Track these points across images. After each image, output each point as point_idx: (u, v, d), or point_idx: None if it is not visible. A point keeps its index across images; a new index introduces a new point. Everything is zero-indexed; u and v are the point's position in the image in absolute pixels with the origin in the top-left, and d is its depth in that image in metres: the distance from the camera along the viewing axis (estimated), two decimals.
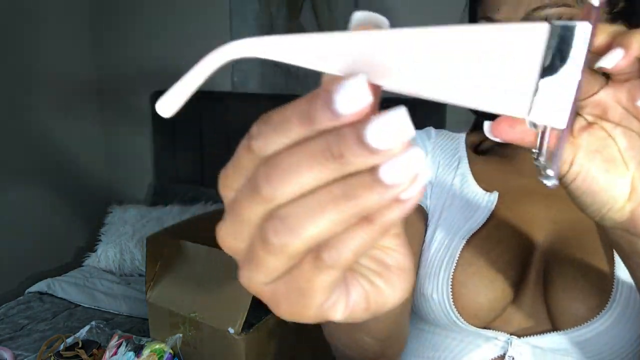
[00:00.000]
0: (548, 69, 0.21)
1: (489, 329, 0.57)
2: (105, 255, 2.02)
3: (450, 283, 0.57)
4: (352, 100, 0.17)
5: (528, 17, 0.50)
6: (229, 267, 1.20)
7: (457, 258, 0.57)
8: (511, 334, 0.57)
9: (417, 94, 0.21)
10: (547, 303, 0.56)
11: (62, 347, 1.40)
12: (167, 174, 2.24)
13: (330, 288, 0.20)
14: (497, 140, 0.30)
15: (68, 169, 2.26)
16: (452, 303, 0.56)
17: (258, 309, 1.36)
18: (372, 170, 0.17)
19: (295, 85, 1.99)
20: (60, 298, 1.83)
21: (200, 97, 2.24)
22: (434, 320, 0.59)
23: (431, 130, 0.69)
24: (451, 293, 0.56)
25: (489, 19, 0.54)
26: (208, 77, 0.23)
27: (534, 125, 0.29)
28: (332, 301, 0.21)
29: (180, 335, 1.25)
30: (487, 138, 0.67)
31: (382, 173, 0.17)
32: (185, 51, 2.16)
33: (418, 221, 0.62)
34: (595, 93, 0.31)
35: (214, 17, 2.07)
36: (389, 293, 0.23)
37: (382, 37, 0.20)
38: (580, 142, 0.32)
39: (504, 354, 0.57)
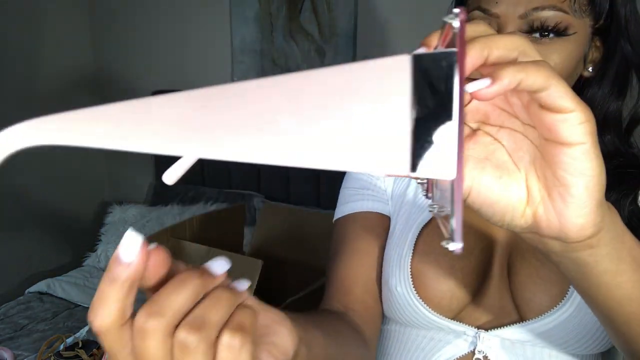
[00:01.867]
0: (421, 111, 0.17)
1: (458, 321, 0.57)
2: (105, 255, 2.02)
3: (409, 273, 0.57)
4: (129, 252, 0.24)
5: (527, 15, 0.50)
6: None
7: (412, 248, 0.58)
8: (480, 328, 0.57)
9: (265, 161, 0.17)
10: (512, 294, 0.56)
11: (62, 347, 1.40)
12: None
13: None
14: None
15: (68, 169, 2.26)
16: (415, 292, 0.57)
17: None
18: None
19: None
20: (60, 298, 1.83)
21: None
22: (402, 316, 0.59)
23: None
24: (412, 283, 0.57)
25: (485, 11, 0.51)
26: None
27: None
28: None
29: None
30: None
31: None
32: (186, 51, 2.16)
33: (378, 227, 0.64)
34: (470, 101, 0.31)
35: (214, 17, 2.07)
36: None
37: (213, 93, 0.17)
38: (467, 152, 0.31)
39: (474, 349, 0.57)
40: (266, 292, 1.45)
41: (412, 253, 0.58)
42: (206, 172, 2.16)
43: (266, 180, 2.08)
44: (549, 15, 0.49)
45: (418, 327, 0.59)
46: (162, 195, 2.18)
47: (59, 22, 2.19)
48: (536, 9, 0.49)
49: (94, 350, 1.37)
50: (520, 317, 0.56)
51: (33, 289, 1.87)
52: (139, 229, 2.02)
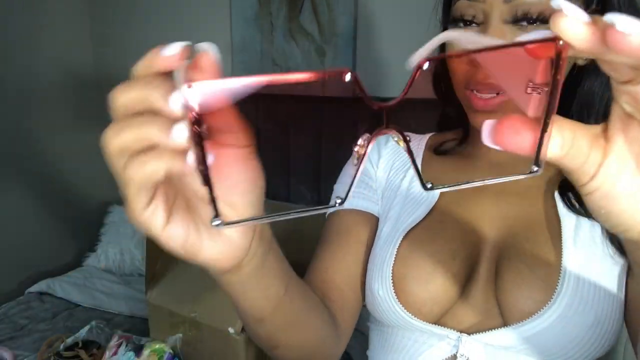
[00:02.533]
0: None
1: (440, 325, 0.57)
2: (105, 255, 2.02)
3: (391, 277, 0.57)
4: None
5: (510, 0, 0.49)
6: None
7: (395, 252, 0.58)
8: (463, 331, 0.56)
9: None
10: (497, 299, 0.55)
11: (62, 347, 1.40)
12: None
13: (138, 193, 0.28)
14: (497, 148, 0.26)
15: (68, 169, 2.25)
16: (395, 297, 0.57)
17: None
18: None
19: (295, 85, 1.99)
20: (60, 298, 1.83)
21: None
22: (385, 318, 0.59)
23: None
24: (393, 287, 0.57)
25: None
26: None
27: None
28: (150, 211, 0.29)
29: (180, 335, 1.25)
30: (448, 139, 0.67)
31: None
32: None
33: (365, 226, 0.65)
34: (632, 80, 0.23)
35: (214, 17, 2.07)
36: (207, 244, 0.31)
37: None
38: (613, 146, 0.26)
39: (457, 353, 0.56)
40: None
41: (395, 257, 0.59)
42: None
43: (266, 180, 2.08)
44: (533, 3, 0.49)
45: (403, 329, 0.60)
46: None
47: (59, 22, 2.19)
48: None
49: (94, 350, 1.37)
50: (504, 322, 0.55)
51: (33, 289, 1.87)
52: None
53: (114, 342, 1.29)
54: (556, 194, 0.58)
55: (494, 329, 0.55)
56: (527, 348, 0.54)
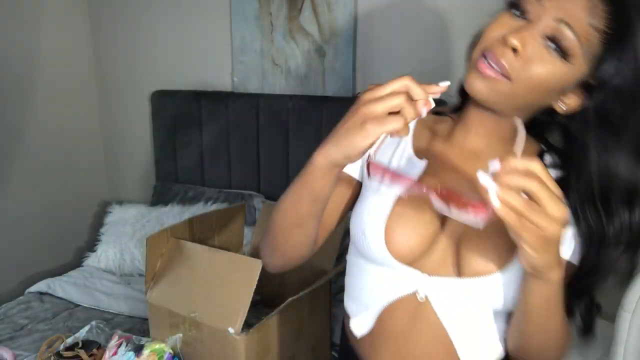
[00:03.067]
0: None
1: (411, 267, 0.74)
2: (105, 255, 2.02)
3: (384, 228, 0.73)
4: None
5: (559, 22, 0.58)
6: (229, 267, 1.20)
7: (389, 211, 0.74)
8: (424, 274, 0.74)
9: None
10: (458, 257, 0.73)
11: (62, 347, 1.40)
12: (167, 174, 2.24)
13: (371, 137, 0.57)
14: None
15: (68, 169, 2.26)
16: (384, 243, 0.73)
17: (258, 309, 1.36)
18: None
19: (295, 86, 1.99)
20: (60, 298, 1.83)
21: (201, 97, 2.25)
22: (371, 256, 0.76)
23: None
24: (384, 236, 0.73)
25: None
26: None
27: None
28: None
29: (180, 335, 1.25)
30: (443, 119, 0.81)
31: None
32: (185, 51, 2.16)
33: (343, 188, 0.81)
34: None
35: (214, 17, 2.07)
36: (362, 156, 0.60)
37: None
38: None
39: (417, 289, 0.75)
40: (266, 292, 1.45)
41: (389, 214, 0.74)
42: (206, 172, 2.16)
43: (266, 180, 2.08)
44: (569, 38, 0.58)
45: (381, 265, 0.76)
46: (162, 195, 2.18)
47: (59, 22, 2.19)
48: (567, 23, 0.58)
49: (94, 350, 1.37)
50: (458, 274, 0.73)
51: (33, 289, 1.87)
52: (139, 229, 2.03)
53: (114, 342, 1.29)
54: None
55: (449, 276, 0.73)
56: (472, 297, 0.72)
